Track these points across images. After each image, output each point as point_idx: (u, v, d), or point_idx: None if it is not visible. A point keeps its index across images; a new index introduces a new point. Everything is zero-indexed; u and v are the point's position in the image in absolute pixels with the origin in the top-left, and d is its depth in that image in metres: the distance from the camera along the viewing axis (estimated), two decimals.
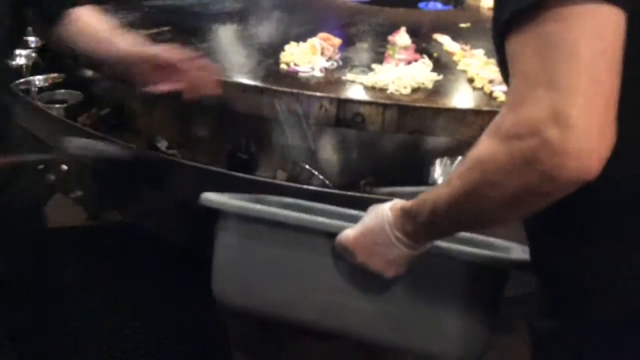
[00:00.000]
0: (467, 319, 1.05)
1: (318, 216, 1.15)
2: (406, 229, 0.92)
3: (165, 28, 2.27)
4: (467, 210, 0.82)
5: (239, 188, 1.58)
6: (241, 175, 1.73)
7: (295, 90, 1.78)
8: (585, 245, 0.84)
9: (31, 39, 2.71)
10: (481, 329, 1.07)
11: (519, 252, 1.14)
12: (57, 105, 2.23)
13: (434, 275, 1.04)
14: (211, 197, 1.18)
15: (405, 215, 0.92)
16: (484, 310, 1.07)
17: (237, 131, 1.95)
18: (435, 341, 1.06)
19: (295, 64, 1.95)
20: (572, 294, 0.86)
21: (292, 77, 1.90)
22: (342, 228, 1.03)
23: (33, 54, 2.60)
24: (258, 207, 1.15)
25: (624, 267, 0.82)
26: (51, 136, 2.21)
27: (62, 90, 2.34)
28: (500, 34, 0.78)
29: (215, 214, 1.17)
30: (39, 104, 2.20)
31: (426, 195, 0.89)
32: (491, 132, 0.78)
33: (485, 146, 0.78)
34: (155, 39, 2.19)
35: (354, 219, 1.03)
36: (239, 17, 2.46)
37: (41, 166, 2.57)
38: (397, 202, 0.95)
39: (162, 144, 1.97)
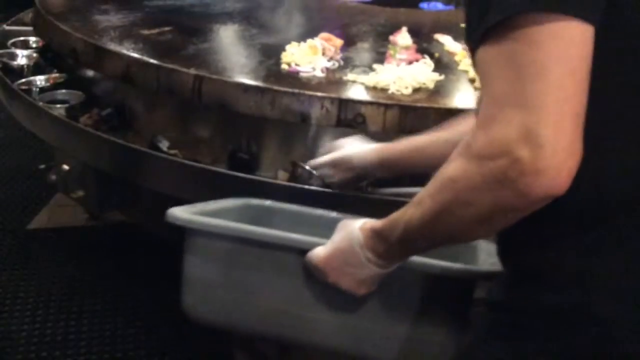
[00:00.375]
0: (439, 328, 1.06)
1: (303, 222, 1.13)
2: (377, 250, 0.93)
3: (167, 28, 2.28)
4: (441, 229, 0.84)
5: (240, 188, 1.58)
6: (242, 175, 1.73)
7: (296, 91, 1.78)
8: (547, 243, 0.85)
9: (32, 39, 2.72)
10: (453, 335, 1.07)
11: (485, 255, 1.13)
12: (58, 106, 2.22)
13: (402, 289, 1.04)
14: (176, 214, 1.14)
15: (377, 236, 0.93)
16: (455, 317, 1.07)
17: (239, 131, 1.95)
18: (407, 352, 1.06)
19: (296, 64, 1.95)
20: (528, 281, 0.87)
21: (293, 77, 1.90)
22: (312, 245, 1.02)
23: (34, 54, 2.61)
24: (224, 223, 1.12)
25: (581, 266, 0.82)
26: (53, 136, 2.21)
27: (64, 90, 2.34)
28: (472, 49, 0.79)
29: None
30: (40, 104, 2.20)
31: (397, 216, 0.90)
32: (463, 152, 0.79)
33: (457, 166, 0.79)
34: (157, 38, 2.19)
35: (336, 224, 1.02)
36: (240, 17, 2.46)
37: (42, 166, 2.58)
38: (367, 222, 0.95)
39: (164, 144, 1.97)
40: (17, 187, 3.13)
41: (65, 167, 2.31)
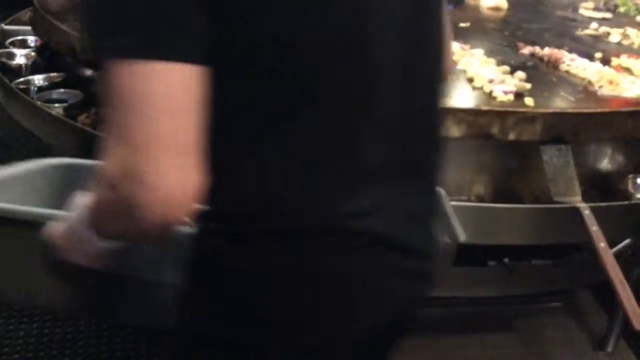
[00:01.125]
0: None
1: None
2: (92, 225, 0.91)
3: None
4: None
5: None
6: None
7: None
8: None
9: (30, 38, 2.72)
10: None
11: None
12: (56, 105, 2.22)
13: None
14: None
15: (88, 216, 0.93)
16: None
17: None
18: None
19: None
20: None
21: None
22: (48, 218, 1.00)
23: (32, 53, 2.60)
24: None
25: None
26: (51, 135, 2.21)
27: (62, 90, 2.33)
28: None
29: None
30: (39, 103, 2.20)
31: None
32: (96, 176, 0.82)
33: (94, 188, 0.82)
34: None
35: None
36: None
37: None
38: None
39: None
40: None
41: None
